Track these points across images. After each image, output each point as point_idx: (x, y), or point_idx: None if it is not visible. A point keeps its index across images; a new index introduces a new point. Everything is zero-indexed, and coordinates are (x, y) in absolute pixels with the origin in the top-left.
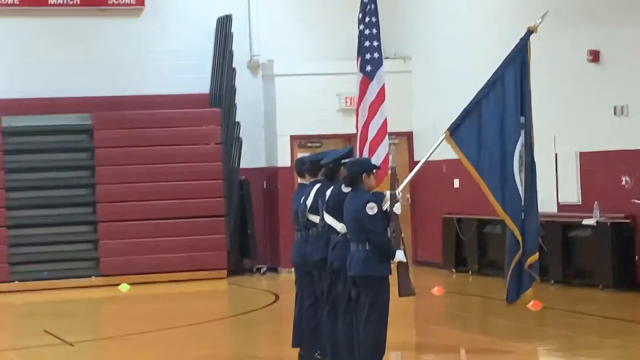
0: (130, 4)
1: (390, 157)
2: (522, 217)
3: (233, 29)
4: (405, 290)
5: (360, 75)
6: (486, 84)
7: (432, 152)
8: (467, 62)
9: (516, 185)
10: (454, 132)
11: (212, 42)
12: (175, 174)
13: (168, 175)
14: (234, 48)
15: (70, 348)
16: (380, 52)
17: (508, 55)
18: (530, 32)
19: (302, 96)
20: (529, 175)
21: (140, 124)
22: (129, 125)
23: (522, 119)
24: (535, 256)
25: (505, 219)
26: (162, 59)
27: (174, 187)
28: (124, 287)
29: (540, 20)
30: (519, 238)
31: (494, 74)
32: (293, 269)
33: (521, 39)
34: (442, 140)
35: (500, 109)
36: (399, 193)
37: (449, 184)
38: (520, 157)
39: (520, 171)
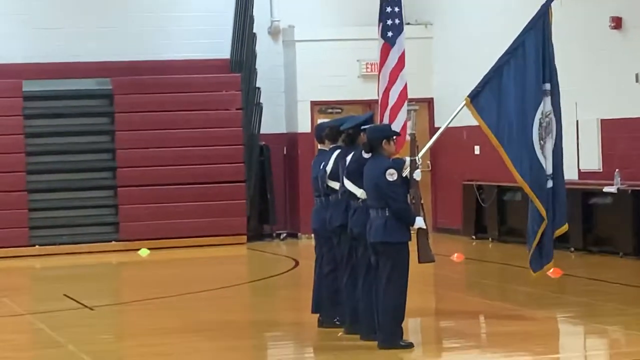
0: None
1: (410, 123)
2: (549, 186)
3: None
4: (425, 256)
5: (382, 41)
6: (507, 50)
7: (452, 119)
8: (488, 29)
9: (536, 154)
10: (475, 98)
11: (232, 7)
12: (195, 139)
13: (188, 141)
14: (254, 13)
15: (89, 312)
16: (401, 18)
17: (529, 22)
18: None
19: (322, 62)
20: (559, 142)
21: (161, 89)
22: (149, 90)
23: (548, 86)
24: (565, 227)
25: (524, 187)
26: (182, 24)
27: (194, 153)
28: (144, 252)
29: None
30: (540, 207)
31: (514, 40)
32: (312, 235)
33: (542, 5)
34: (462, 107)
35: (521, 76)
36: (419, 159)
37: (470, 150)
38: (541, 125)
39: (541, 139)
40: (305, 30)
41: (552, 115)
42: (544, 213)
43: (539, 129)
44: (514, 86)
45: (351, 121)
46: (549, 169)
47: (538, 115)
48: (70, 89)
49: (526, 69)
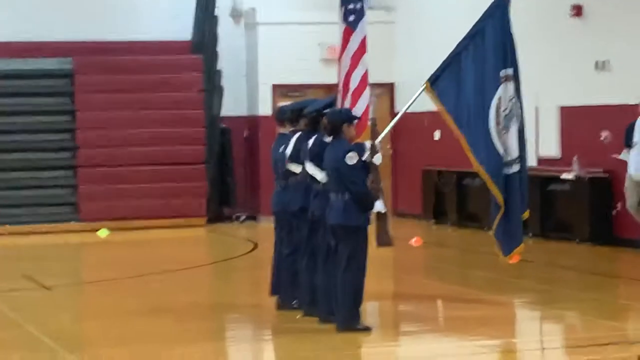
0: None
1: (371, 108)
2: (515, 170)
3: None
4: (383, 240)
5: (343, 25)
6: (466, 36)
7: (412, 103)
8: (451, 14)
9: (492, 140)
10: (434, 83)
11: None
12: (156, 120)
13: (149, 122)
14: None
15: (48, 292)
16: (362, 2)
17: (488, 8)
18: None
19: (284, 45)
20: (522, 128)
21: (122, 69)
22: (111, 70)
23: (510, 71)
24: (527, 214)
25: (481, 172)
26: (144, 5)
27: (155, 134)
28: (103, 233)
29: None
30: (496, 193)
31: (474, 26)
32: (272, 218)
33: None
34: (422, 91)
35: (480, 61)
36: (378, 144)
37: (430, 136)
38: (498, 110)
39: (498, 124)
40: (268, 13)
41: (514, 100)
42: (500, 200)
43: (496, 115)
44: (473, 72)
45: (314, 105)
46: (513, 154)
47: (495, 101)
48: (31, 68)
49: (485, 55)
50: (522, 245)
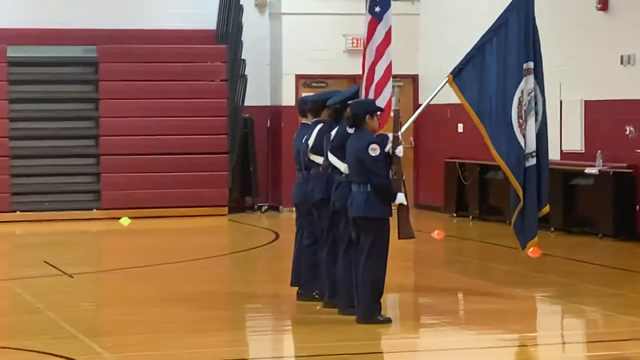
0: None
1: (394, 99)
2: (531, 164)
3: None
4: (405, 232)
5: (369, 17)
6: (490, 28)
7: (434, 95)
8: (475, 7)
9: (514, 132)
10: (457, 75)
11: None
12: (179, 109)
13: (172, 111)
14: None
15: (69, 279)
16: None
17: (513, 1)
18: None
19: (308, 36)
20: (544, 122)
21: (146, 58)
22: (135, 59)
23: (531, 65)
24: (547, 208)
25: (502, 165)
26: None
27: (178, 123)
28: (125, 221)
29: None
30: (516, 186)
31: (498, 19)
32: (294, 208)
33: None
34: (445, 84)
35: (503, 54)
36: (401, 136)
37: (453, 128)
38: (520, 103)
39: (520, 117)
40: (292, 3)
41: (533, 94)
42: (520, 192)
43: (517, 108)
44: (496, 64)
45: (338, 96)
46: (531, 147)
47: (517, 94)
48: (55, 55)
49: (508, 47)
50: (536, 239)
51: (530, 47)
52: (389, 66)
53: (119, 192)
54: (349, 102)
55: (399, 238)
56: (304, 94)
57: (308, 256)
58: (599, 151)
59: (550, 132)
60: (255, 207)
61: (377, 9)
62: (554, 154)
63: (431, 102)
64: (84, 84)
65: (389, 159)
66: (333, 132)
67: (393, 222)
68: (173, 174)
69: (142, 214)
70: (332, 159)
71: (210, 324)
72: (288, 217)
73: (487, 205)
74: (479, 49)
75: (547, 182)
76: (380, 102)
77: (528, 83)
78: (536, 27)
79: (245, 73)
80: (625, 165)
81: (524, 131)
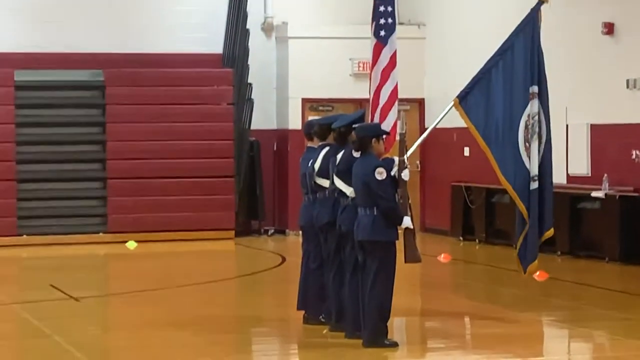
0: None
1: (400, 123)
2: (534, 187)
3: None
4: (411, 256)
5: (374, 40)
6: (496, 53)
7: (440, 119)
8: (481, 31)
9: (521, 156)
10: (463, 99)
11: (226, 2)
12: (185, 133)
13: (178, 134)
14: (248, 9)
15: (75, 303)
16: (394, 18)
17: (519, 25)
18: (541, 2)
19: (315, 59)
20: (548, 146)
21: (153, 82)
22: (141, 82)
23: (536, 89)
24: (551, 232)
25: (508, 188)
26: (176, 17)
27: (184, 146)
28: (131, 245)
29: None
30: (522, 210)
31: (503, 43)
32: (300, 232)
33: (532, 9)
34: (450, 108)
35: (509, 78)
36: (406, 159)
37: (459, 151)
38: (526, 127)
39: (526, 141)
40: (299, 27)
41: (538, 118)
42: (526, 215)
43: (524, 131)
44: (502, 88)
45: (343, 119)
46: (534, 170)
47: (524, 118)
48: (62, 79)
49: (514, 72)
50: (536, 262)
51: (536, 71)
52: (395, 90)
53: (125, 216)
54: (354, 125)
55: (406, 262)
56: (310, 118)
57: (314, 280)
58: (605, 175)
59: (556, 155)
60: (262, 230)
61: (382, 32)
62: (560, 178)
63: (437, 126)
64: (91, 107)
65: (395, 182)
66: (339, 156)
67: (399, 245)
68: (180, 198)
69: (149, 237)
70: (338, 182)
71: (217, 347)
72: (294, 240)
73: (493, 229)
74: (485, 73)
75: (551, 205)
76: (386, 126)
77: (533, 107)
78: (541, 50)
79: (252, 96)
80: (631, 189)
81: (529, 154)
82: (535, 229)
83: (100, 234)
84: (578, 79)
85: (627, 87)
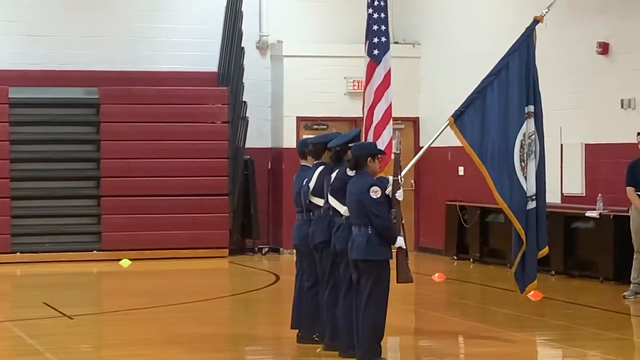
0: None
1: (394, 142)
2: (532, 207)
3: (243, 8)
4: (403, 276)
5: (368, 59)
6: (491, 72)
7: (435, 138)
8: (476, 50)
9: (516, 175)
10: (458, 118)
11: (221, 20)
12: (180, 151)
13: (173, 152)
14: (243, 27)
15: (69, 321)
16: (387, 37)
17: (514, 44)
18: (536, 21)
19: (309, 78)
20: (542, 164)
21: (147, 99)
22: (136, 100)
23: (531, 108)
24: (545, 250)
25: (504, 208)
26: (171, 36)
27: (179, 164)
28: (125, 262)
29: (546, 10)
30: (519, 229)
31: (498, 62)
32: (294, 251)
33: (527, 28)
34: (445, 126)
35: (505, 97)
36: (401, 179)
37: (454, 171)
38: (522, 146)
39: (522, 160)
40: (293, 45)
41: (534, 137)
42: (522, 235)
43: (520, 151)
44: (497, 107)
45: (339, 138)
46: (531, 190)
47: (520, 137)
48: (57, 97)
49: (509, 91)
50: (535, 282)
51: (531, 90)
52: (389, 108)
53: (119, 234)
54: (350, 144)
55: (398, 282)
56: (305, 136)
57: (308, 298)
58: (600, 195)
59: (550, 175)
60: (256, 249)
61: (376, 51)
62: (554, 197)
63: (432, 145)
64: (85, 125)
65: (389, 201)
66: (333, 175)
67: (392, 264)
68: (174, 216)
69: (143, 255)
70: (332, 201)
71: None
72: (288, 259)
73: (488, 248)
74: (480, 92)
75: (544, 224)
76: (380, 145)
77: (529, 126)
78: (536, 68)
79: (247, 115)
80: (626, 209)
81: (526, 174)
82: (534, 248)
83: (94, 251)
84: (573, 98)
85: (622, 107)
